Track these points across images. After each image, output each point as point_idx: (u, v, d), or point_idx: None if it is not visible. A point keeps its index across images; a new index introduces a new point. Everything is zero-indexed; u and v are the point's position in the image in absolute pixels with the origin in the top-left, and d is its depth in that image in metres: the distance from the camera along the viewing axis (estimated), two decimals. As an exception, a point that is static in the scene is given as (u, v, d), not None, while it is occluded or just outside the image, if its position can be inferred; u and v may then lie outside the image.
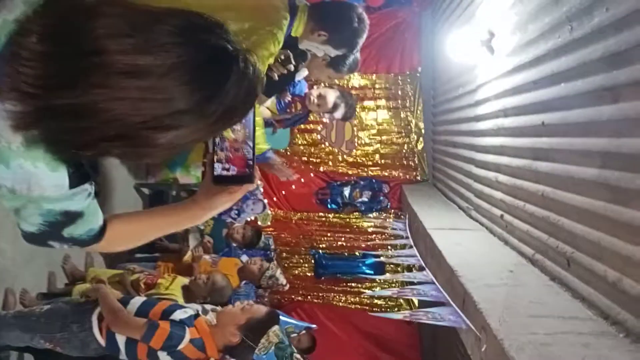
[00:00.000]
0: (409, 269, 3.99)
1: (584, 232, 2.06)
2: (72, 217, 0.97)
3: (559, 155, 2.32)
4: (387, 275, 5.29)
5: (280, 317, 3.20)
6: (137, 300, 2.64)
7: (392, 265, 5.24)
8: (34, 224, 0.96)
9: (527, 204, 2.66)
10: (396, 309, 5.35)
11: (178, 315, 2.43)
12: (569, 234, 2.20)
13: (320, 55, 2.49)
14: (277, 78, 2.54)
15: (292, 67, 2.47)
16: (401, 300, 5.36)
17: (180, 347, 2.36)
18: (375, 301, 5.52)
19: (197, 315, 2.54)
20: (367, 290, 5.44)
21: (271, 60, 2.18)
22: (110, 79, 0.76)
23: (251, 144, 1.10)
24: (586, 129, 2.06)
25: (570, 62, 2.21)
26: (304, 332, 4.13)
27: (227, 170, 1.10)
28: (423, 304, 2.76)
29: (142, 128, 0.80)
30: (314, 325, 4.17)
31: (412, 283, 2.91)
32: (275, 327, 2.62)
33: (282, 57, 2.34)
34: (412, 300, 5.06)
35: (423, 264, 3.10)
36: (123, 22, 0.78)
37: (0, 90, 0.78)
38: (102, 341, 2.50)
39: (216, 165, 1.10)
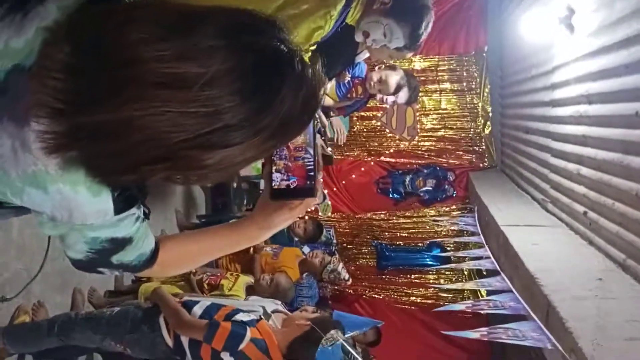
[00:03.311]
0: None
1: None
2: (120, 243, 0.88)
3: (657, 150, 2.05)
4: (452, 265, 5.04)
5: (346, 326, 3.09)
6: (202, 304, 2.61)
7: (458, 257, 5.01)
8: (80, 251, 0.88)
9: (616, 202, 2.40)
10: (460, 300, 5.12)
11: (240, 317, 2.38)
12: (670, 241, 1.94)
13: (380, 33, 2.22)
14: None
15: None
16: (468, 292, 5.13)
17: (241, 346, 2.30)
18: (440, 294, 5.32)
19: (259, 320, 2.48)
20: (434, 285, 5.23)
21: (317, 38, 1.99)
22: (145, 91, 0.65)
23: (312, 152, 0.97)
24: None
25: (673, 44, 1.93)
26: (369, 330, 4.03)
27: (287, 181, 0.98)
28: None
29: (185, 147, 0.69)
30: (380, 322, 4.04)
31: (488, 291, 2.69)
32: (340, 334, 2.51)
33: None
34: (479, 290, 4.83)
35: (498, 268, 2.88)
36: (160, 25, 0.68)
37: (30, 108, 0.69)
38: (170, 342, 2.50)
39: (275, 175, 0.97)
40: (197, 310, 2.49)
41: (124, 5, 0.76)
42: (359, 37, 2.25)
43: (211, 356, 2.35)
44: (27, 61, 0.74)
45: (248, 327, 2.35)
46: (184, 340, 2.44)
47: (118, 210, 0.83)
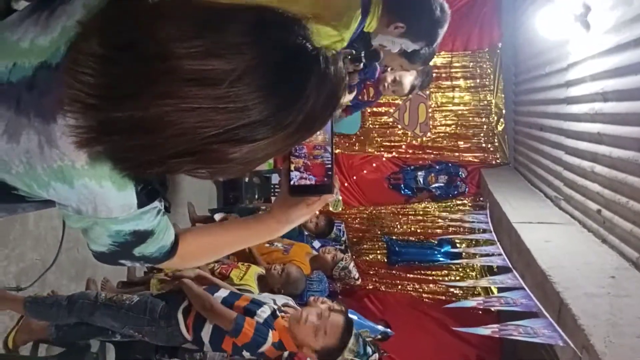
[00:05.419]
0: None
1: None
2: (142, 236, 0.90)
3: (673, 149, 2.04)
4: (464, 261, 5.01)
5: (354, 320, 3.09)
6: (221, 294, 2.64)
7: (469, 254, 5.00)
8: (103, 244, 0.90)
9: (631, 200, 2.38)
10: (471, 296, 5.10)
11: (260, 315, 2.41)
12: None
13: (396, 50, 2.26)
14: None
15: (361, 66, 2.27)
16: (479, 289, 5.12)
17: (262, 349, 2.36)
18: (451, 290, 5.32)
19: (274, 314, 2.50)
20: (443, 279, 5.23)
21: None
22: (177, 87, 0.67)
23: (330, 149, 0.99)
24: None
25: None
26: (379, 336, 4.02)
27: (305, 179, 0.99)
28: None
29: (214, 142, 0.70)
30: (390, 331, 4.04)
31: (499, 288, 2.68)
32: (351, 343, 2.52)
33: (353, 53, 2.15)
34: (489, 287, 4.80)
35: (510, 265, 2.87)
36: (190, 22, 0.69)
37: (61, 103, 0.71)
38: (188, 337, 2.54)
39: (293, 173, 0.99)
40: (218, 296, 2.52)
41: (152, 2, 0.78)
42: (375, 44, 2.27)
43: (232, 349, 2.40)
44: (53, 59, 0.76)
45: (270, 331, 2.39)
46: (205, 336, 2.48)
47: (141, 204, 0.85)
